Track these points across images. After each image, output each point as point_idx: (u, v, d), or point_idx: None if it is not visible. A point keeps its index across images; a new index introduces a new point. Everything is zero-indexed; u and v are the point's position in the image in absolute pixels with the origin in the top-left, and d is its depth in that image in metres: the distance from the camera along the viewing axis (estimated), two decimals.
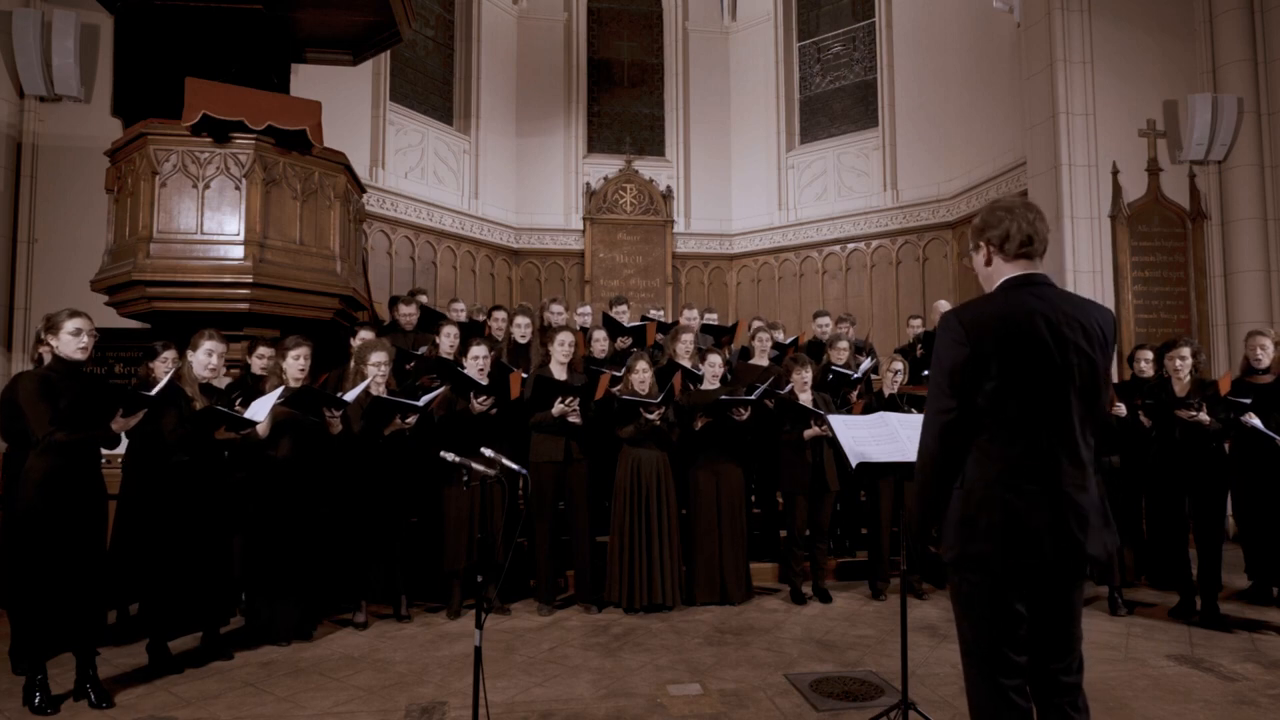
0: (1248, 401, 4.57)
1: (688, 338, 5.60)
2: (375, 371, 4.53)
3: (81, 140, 6.74)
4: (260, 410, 3.94)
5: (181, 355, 4.17)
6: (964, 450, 1.99)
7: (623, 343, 6.12)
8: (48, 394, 3.26)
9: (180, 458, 3.83)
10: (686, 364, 5.40)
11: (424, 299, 6.66)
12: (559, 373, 5.03)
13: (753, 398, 4.90)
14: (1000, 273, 2.07)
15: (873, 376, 6.18)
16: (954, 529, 1.99)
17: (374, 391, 4.48)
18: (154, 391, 3.49)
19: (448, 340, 5.38)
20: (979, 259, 2.12)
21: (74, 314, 3.40)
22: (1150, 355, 5.29)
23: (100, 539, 3.48)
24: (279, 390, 4.07)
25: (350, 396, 4.33)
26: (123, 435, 3.66)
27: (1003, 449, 1.95)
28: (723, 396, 4.97)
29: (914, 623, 4.44)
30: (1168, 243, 7.49)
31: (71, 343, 3.35)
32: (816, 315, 7.20)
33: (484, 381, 4.77)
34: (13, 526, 3.41)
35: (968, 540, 1.95)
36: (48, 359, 3.84)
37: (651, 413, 4.76)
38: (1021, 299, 1.98)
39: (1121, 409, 4.93)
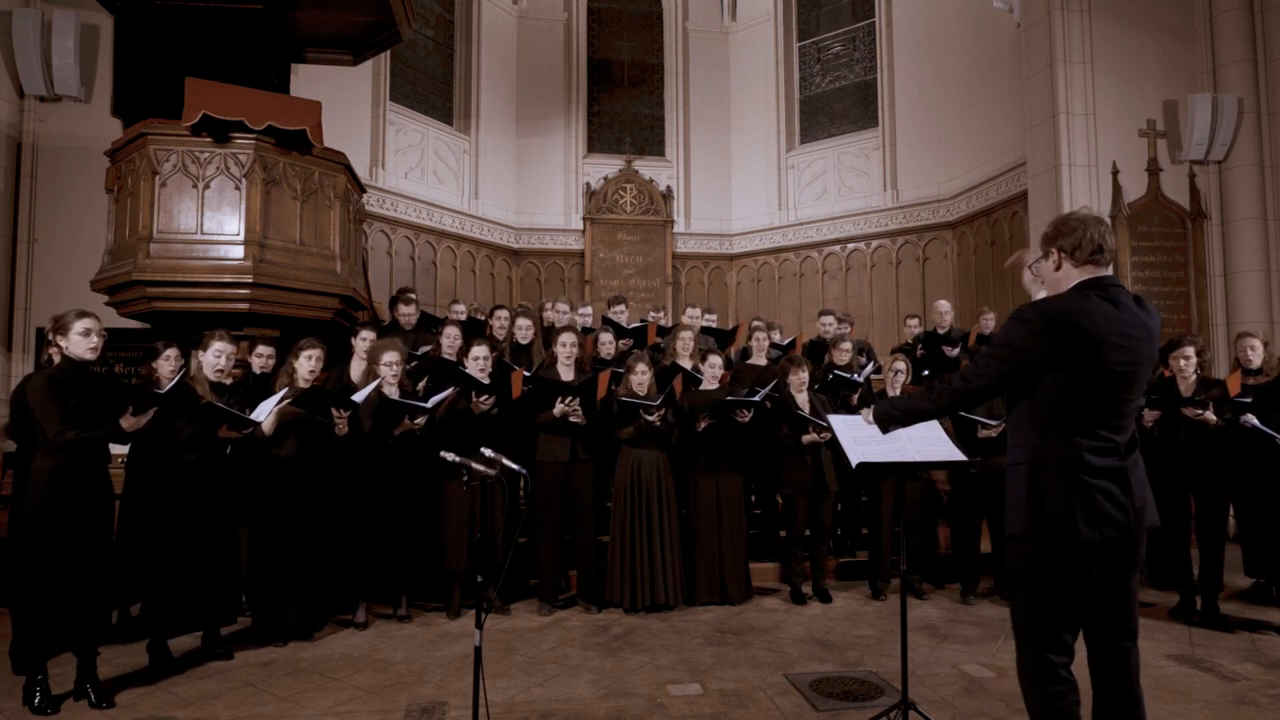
0: (1248, 400, 4.57)
1: (687, 335, 5.59)
2: (388, 371, 4.53)
3: (81, 140, 6.74)
4: (263, 410, 3.94)
5: (184, 355, 4.17)
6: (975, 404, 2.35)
7: (624, 344, 6.11)
8: (57, 393, 3.26)
9: (189, 456, 3.84)
10: (687, 364, 5.39)
11: (414, 296, 6.60)
12: (565, 373, 5.03)
13: (757, 399, 4.89)
14: (1070, 277, 2.22)
15: (873, 378, 6.17)
16: (1024, 505, 2.15)
17: (386, 391, 4.48)
18: (164, 390, 3.48)
19: (448, 340, 5.38)
20: (1048, 265, 2.27)
21: (83, 314, 3.40)
22: None
23: (106, 539, 3.48)
24: (283, 391, 4.08)
25: (359, 397, 4.33)
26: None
27: (1072, 434, 2.12)
28: (728, 398, 4.96)
29: (914, 623, 4.44)
30: (1168, 243, 7.49)
31: (81, 343, 3.35)
32: (821, 314, 7.19)
33: (485, 381, 4.76)
34: (21, 526, 3.41)
35: (1039, 516, 2.11)
36: (56, 360, 3.84)
37: (651, 414, 4.76)
38: (1094, 300, 2.15)
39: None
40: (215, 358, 4.02)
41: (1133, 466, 2.15)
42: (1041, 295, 2.29)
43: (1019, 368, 2.16)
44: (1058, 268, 2.24)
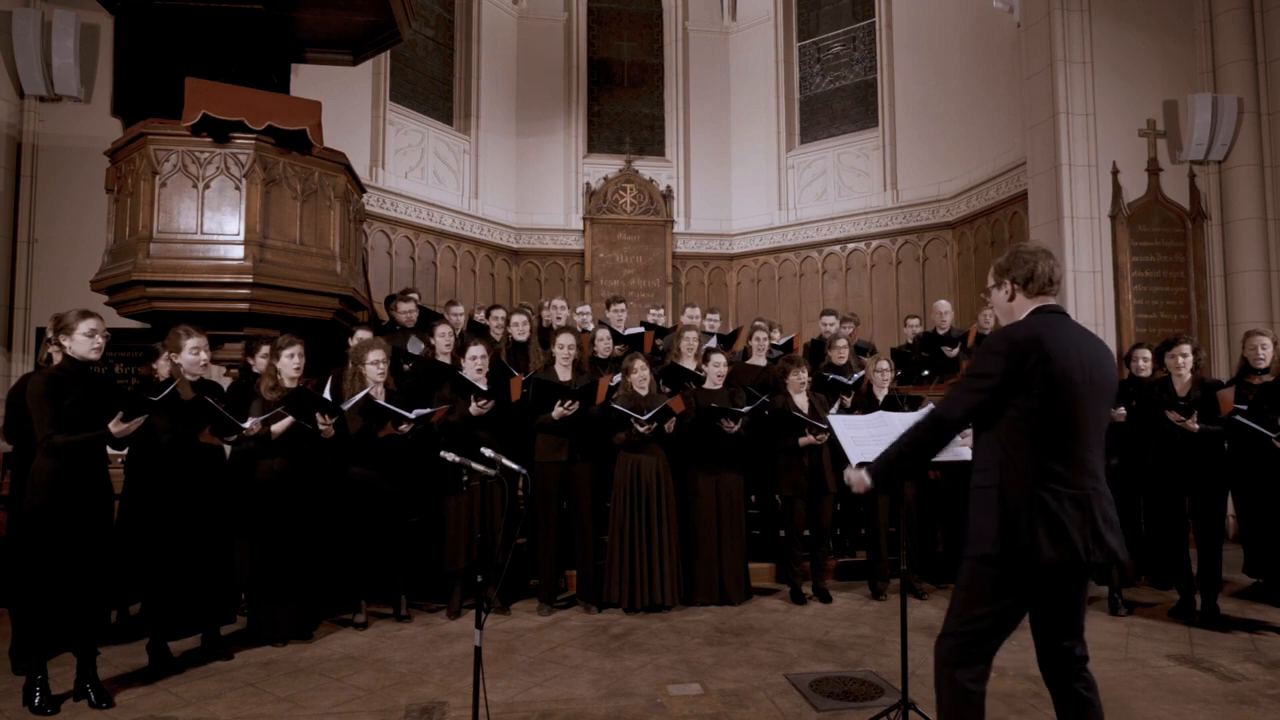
0: (1244, 408, 4.55)
1: (691, 336, 5.57)
2: (374, 370, 4.51)
3: (81, 140, 6.74)
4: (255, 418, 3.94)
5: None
6: (957, 432, 2.32)
7: (621, 349, 6.10)
8: (52, 395, 3.27)
9: (181, 459, 3.83)
10: (690, 365, 5.38)
11: (416, 297, 6.61)
12: (563, 374, 5.03)
13: (745, 411, 4.88)
14: (1022, 307, 2.31)
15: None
16: (994, 529, 2.17)
17: (373, 392, 4.46)
18: (157, 399, 3.48)
19: (443, 340, 5.35)
20: (1001, 294, 2.35)
21: (87, 314, 3.39)
22: (1148, 354, 5.29)
23: (105, 539, 3.48)
24: (278, 408, 4.07)
25: (348, 405, 4.30)
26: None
27: (1039, 457, 2.15)
28: (733, 408, 4.93)
29: (914, 623, 4.44)
30: (1168, 243, 7.48)
31: (86, 343, 3.35)
32: (823, 314, 7.19)
33: (483, 384, 4.75)
34: (20, 526, 3.41)
35: (1009, 537, 2.14)
36: (56, 360, 3.84)
37: (643, 426, 4.74)
38: (1052, 326, 2.22)
39: (1121, 413, 4.89)
40: (193, 354, 3.94)
41: (1095, 496, 2.17)
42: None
43: (990, 395, 2.19)
44: (1010, 298, 2.32)
